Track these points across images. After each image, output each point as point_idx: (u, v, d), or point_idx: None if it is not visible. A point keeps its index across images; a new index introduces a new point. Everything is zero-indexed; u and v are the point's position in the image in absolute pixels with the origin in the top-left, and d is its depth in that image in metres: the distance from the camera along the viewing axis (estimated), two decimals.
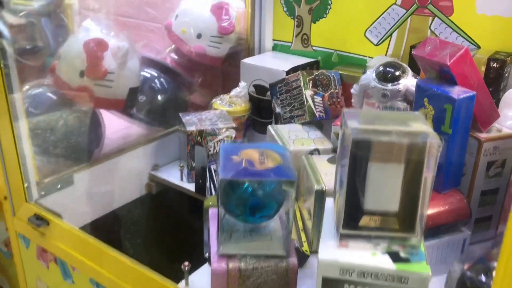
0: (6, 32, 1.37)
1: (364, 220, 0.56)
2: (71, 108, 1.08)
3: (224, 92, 1.28)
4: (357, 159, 0.53)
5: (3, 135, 0.81)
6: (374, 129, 0.53)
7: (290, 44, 1.32)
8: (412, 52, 0.86)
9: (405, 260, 0.54)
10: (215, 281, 0.64)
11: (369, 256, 0.55)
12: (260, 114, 1.26)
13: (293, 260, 0.65)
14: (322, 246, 0.56)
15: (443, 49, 0.79)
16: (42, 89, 1.09)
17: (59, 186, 0.95)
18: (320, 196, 0.83)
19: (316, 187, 0.83)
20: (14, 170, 0.83)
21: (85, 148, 1.07)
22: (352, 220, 0.56)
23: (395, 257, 0.55)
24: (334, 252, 0.55)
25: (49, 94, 1.09)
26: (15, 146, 0.81)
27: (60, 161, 1.01)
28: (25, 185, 0.84)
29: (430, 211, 0.80)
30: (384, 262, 0.54)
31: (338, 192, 0.58)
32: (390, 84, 0.94)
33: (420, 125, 0.54)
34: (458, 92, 0.75)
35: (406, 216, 0.56)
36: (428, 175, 0.54)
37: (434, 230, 0.79)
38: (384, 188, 0.55)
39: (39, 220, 0.83)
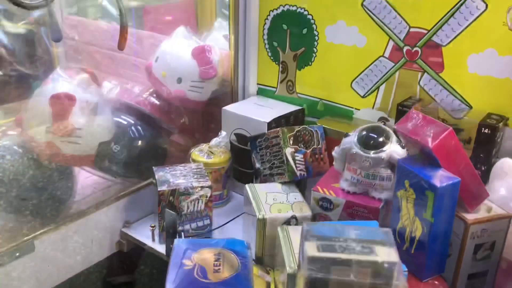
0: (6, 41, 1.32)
1: None
2: (39, 162, 1.02)
3: (206, 135, 1.22)
4: None
5: None
6: (332, 258, 0.46)
7: (275, 89, 1.26)
8: (394, 127, 0.79)
9: None
10: None
11: None
12: (242, 164, 1.19)
13: None
14: None
15: (427, 127, 0.73)
16: (7, 142, 1.03)
17: (17, 254, 0.89)
18: (293, 279, 0.76)
19: (288, 270, 0.76)
20: None
21: (52, 206, 1.01)
22: None
23: None
24: None
25: (15, 148, 1.03)
26: None
27: (20, 224, 0.95)
28: None
29: None
30: None
31: None
32: (373, 152, 0.87)
33: (386, 250, 0.48)
34: (441, 178, 0.69)
35: None
36: None
37: None
38: None
39: None
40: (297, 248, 0.81)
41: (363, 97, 1.11)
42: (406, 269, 0.60)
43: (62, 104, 0.95)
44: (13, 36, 1.71)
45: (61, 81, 1.01)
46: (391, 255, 0.47)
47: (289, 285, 0.77)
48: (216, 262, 0.57)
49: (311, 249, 0.47)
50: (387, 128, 0.90)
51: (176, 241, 0.61)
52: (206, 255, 0.58)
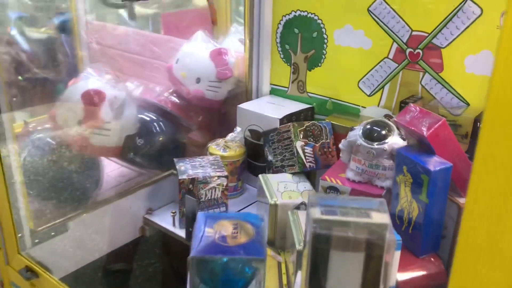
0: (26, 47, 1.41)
1: None
2: (70, 153, 1.12)
3: (223, 132, 1.31)
4: (319, 250, 0.55)
5: None
6: (334, 220, 0.54)
7: (286, 89, 1.35)
8: (393, 119, 0.88)
9: None
10: None
11: None
12: (255, 158, 1.28)
13: None
14: None
15: (423, 118, 0.81)
16: (42, 134, 1.14)
17: (53, 233, 0.99)
18: (301, 254, 0.84)
19: (297, 247, 0.85)
20: (7, 221, 0.87)
21: (83, 193, 1.11)
22: None
23: None
24: None
25: (49, 140, 1.13)
26: (7, 198, 0.85)
27: (55, 208, 1.04)
28: (19, 235, 0.88)
29: (408, 276, 0.81)
30: None
31: (302, 277, 0.60)
32: (376, 143, 0.96)
33: (380, 214, 0.56)
34: (434, 163, 0.77)
35: None
36: (389, 258, 0.55)
37: None
38: (345, 275, 0.57)
39: (29, 273, 0.86)
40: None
41: (369, 95, 1.19)
42: (400, 239, 0.68)
43: (93, 99, 1.05)
44: (35, 42, 1.83)
45: (91, 79, 1.11)
46: (384, 218, 0.55)
47: (298, 260, 0.86)
48: (234, 231, 0.66)
49: (316, 213, 0.55)
50: (390, 123, 0.98)
51: (199, 214, 0.70)
52: (226, 225, 0.67)
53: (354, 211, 0.56)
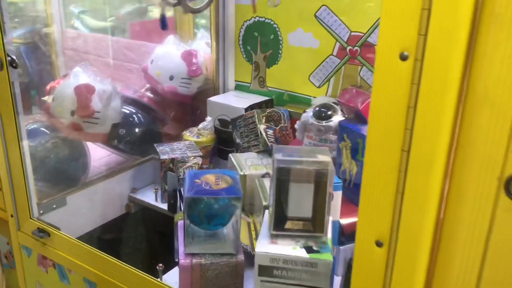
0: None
1: (288, 224, 0.79)
2: (61, 141, 1.28)
3: (193, 125, 1.50)
4: (281, 181, 0.76)
5: (12, 160, 1.01)
6: (292, 159, 0.76)
7: (249, 84, 1.56)
8: (335, 99, 1.11)
9: (316, 252, 0.77)
10: (182, 273, 0.85)
11: (291, 249, 0.78)
12: (224, 144, 1.48)
13: (241, 257, 0.87)
14: (258, 243, 0.79)
15: (358, 97, 1.05)
16: (36, 125, 1.30)
17: (54, 206, 1.15)
18: (267, 208, 1.05)
19: (264, 203, 1.05)
20: (21, 191, 1.03)
21: (74, 174, 1.27)
22: (280, 224, 0.79)
23: (309, 250, 0.78)
24: (266, 247, 0.78)
25: (43, 129, 1.30)
26: (22, 170, 1.01)
27: (54, 186, 1.20)
28: (29, 204, 1.04)
29: (349, 221, 1.03)
30: (301, 253, 0.77)
31: (270, 205, 0.81)
32: (324, 121, 1.19)
33: (324, 156, 0.78)
34: (366, 129, 1.00)
35: (318, 221, 0.79)
36: (331, 190, 0.77)
37: (352, 236, 1.02)
38: (301, 201, 0.78)
39: (41, 233, 1.02)
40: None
41: (318, 87, 1.42)
42: (340, 182, 0.90)
43: (84, 92, 1.23)
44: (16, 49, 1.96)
45: (82, 76, 1.28)
46: (327, 158, 0.77)
47: (264, 215, 1.06)
48: (216, 180, 0.86)
49: (279, 156, 0.76)
50: (334, 105, 1.21)
51: (187, 172, 0.90)
52: (209, 177, 0.87)
53: (305, 154, 0.78)
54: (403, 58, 0.51)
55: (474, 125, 0.49)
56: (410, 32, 0.50)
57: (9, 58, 0.94)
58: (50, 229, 1.02)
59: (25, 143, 1.04)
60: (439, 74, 0.49)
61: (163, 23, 1.15)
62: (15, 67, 0.96)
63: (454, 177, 0.52)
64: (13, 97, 0.97)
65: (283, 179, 0.75)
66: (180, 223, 0.94)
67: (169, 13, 2.08)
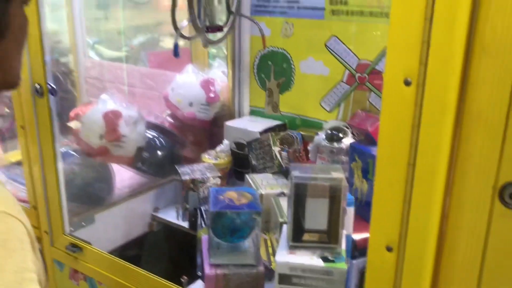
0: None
1: (306, 236, 0.86)
2: (89, 163, 1.37)
3: (211, 148, 1.59)
4: (298, 196, 0.84)
5: (48, 180, 1.09)
6: (308, 176, 0.84)
7: (263, 110, 1.65)
8: (346, 122, 1.19)
9: (331, 261, 0.84)
10: (208, 283, 0.92)
11: (308, 259, 0.84)
12: (240, 166, 1.56)
13: (261, 268, 0.93)
14: (278, 254, 0.86)
15: (367, 120, 1.13)
16: (65, 148, 1.39)
17: (83, 224, 1.22)
18: (283, 225, 1.12)
19: (280, 220, 1.12)
20: (55, 209, 1.11)
21: (101, 194, 1.35)
22: (298, 236, 0.86)
23: (325, 259, 0.84)
24: (286, 257, 0.85)
25: (72, 152, 1.39)
26: (57, 189, 1.10)
27: (82, 205, 1.29)
28: (63, 221, 1.12)
29: (361, 237, 1.10)
30: (318, 262, 0.84)
31: (288, 219, 0.89)
32: (336, 143, 1.26)
33: (337, 173, 0.85)
34: (377, 147, 1.08)
35: (333, 233, 0.86)
36: (344, 204, 0.85)
37: (364, 250, 1.08)
38: (317, 214, 0.85)
39: (74, 248, 1.10)
40: (285, 211, 1.18)
41: (329, 112, 1.51)
42: (353, 198, 0.97)
43: (112, 117, 1.32)
44: None
45: (108, 102, 1.38)
46: (340, 175, 0.85)
47: (280, 231, 1.13)
48: (238, 196, 0.94)
49: (296, 173, 0.84)
50: (345, 128, 1.29)
51: (211, 189, 0.98)
52: (231, 193, 0.95)
53: (320, 171, 0.86)
54: (407, 83, 0.59)
55: (470, 141, 0.57)
56: (412, 62, 0.58)
57: (49, 86, 1.04)
58: (82, 244, 1.10)
59: (60, 164, 1.13)
60: (438, 97, 0.57)
61: (176, 51, 1.25)
62: (54, 95, 1.05)
63: (454, 187, 0.59)
64: (51, 122, 1.06)
65: (300, 194, 0.83)
66: (204, 237, 1.01)
67: (183, 43, 2.21)
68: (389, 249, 0.65)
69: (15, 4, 0.57)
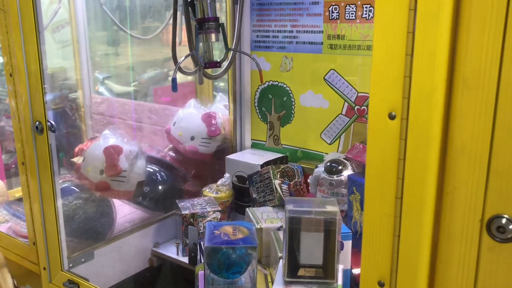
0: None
1: (301, 272, 0.85)
2: (90, 198, 1.38)
3: (212, 181, 1.59)
4: (293, 230, 0.83)
5: (47, 216, 1.10)
6: (302, 210, 0.83)
7: (264, 142, 1.66)
8: (344, 154, 1.19)
9: None
10: None
11: None
12: (241, 199, 1.56)
13: None
14: None
15: (364, 152, 1.12)
16: (67, 184, 1.40)
17: (82, 260, 1.22)
18: (281, 259, 1.11)
19: (279, 254, 1.11)
20: (54, 245, 1.11)
21: (101, 229, 1.35)
22: (293, 272, 0.85)
23: None
24: None
25: (73, 187, 1.40)
26: (56, 225, 1.10)
27: (82, 240, 1.29)
28: (61, 257, 1.12)
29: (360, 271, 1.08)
30: None
31: (284, 253, 0.88)
32: (335, 176, 1.26)
33: (332, 207, 0.85)
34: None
35: (329, 268, 0.85)
36: (340, 238, 0.84)
37: None
38: (312, 249, 0.84)
39: (72, 284, 1.09)
40: None
41: (329, 144, 1.51)
42: (350, 231, 0.96)
43: (113, 152, 1.33)
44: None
45: (110, 138, 1.39)
46: (334, 208, 0.84)
47: (280, 266, 1.12)
48: (234, 231, 0.93)
49: (290, 206, 0.84)
50: (344, 160, 1.29)
51: (207, 224, 0.97)
52: (227, 228, 0.94)
53: (315, 205, 0.85)
54: (391, 117, 0.59)
55: (456, 173, 0.57)
56: (396, 96, 0.58)
57: (49, 123, 1.06)
58: (80, 280, 1.09)
59: (60, 201, 1.13)
60: (422, 130, 0.57)
61: (174, 85, 1.27)
62: (54, 132, 1.07)
63: (443, 220, 0.59)
64: (51, 159, 1.07)
65: (294, 228, 0.82)
66: (201, 273, 1.00)
67: (190, 77, 2.25)
68: (381, 284, 0.64)
69: None
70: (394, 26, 0.57)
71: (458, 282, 0.58)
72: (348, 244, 0.97)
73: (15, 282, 0.61)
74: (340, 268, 0.86)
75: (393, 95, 0.59)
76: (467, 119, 0.55)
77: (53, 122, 1.07)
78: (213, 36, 1.31)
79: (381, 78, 0.59)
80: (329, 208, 0.84)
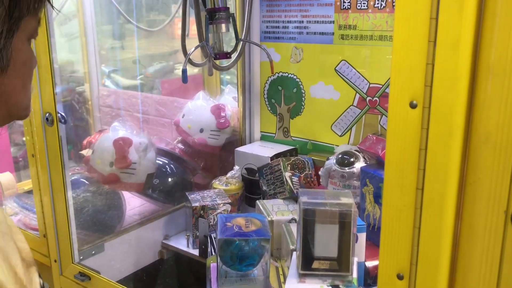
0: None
1: (315, 264, 0.84)
2: (100, 191, 1.37)
3: (222, 174, 1.58)
4: (307, 222, 0.82)
5: (58, 208, 1.09)
6: (316, 202, 0.82)
7: (274, 135, 1.64)
8: (357, 146, 1.17)
9: None
10: None
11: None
12: (251, 191, 1.55)
13: None
14: (288, 282, 0.84)
15: (378, 144, 1.11)
16: (76, 176, 1.39)
17: (93, 252, 1.22)
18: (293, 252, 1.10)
19: (291, 247, 1.10)
20: (64, 237, 1.11)
21: (111, 222, 1.35)
22: (307, 264, 0.84)
23: None
24: (295, 285, 0.82)
25: (83, 180, 1.39)
26: (67, 218, 1.10)
27: (92, 233, 1.28)
28: (72, 249, 1.11)
29: (375, 263, 1.07)
30: None
31: (298, 246, 0.86)
32: (347, 168, 1.24)
33: (347, 199, 0.84)
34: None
35: (344, 260, 0.84)
36: (355, 230, 0.82)
37: (377, 278, 1.05)
38: (327, 241, 0.83)
39: (83, 276, 1.09)
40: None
41: (340, 136, 1.49)
42: (364, 224, 0.95)
43: (122, 144, 1.32)
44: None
45: (119, 130, 1.38)
46: (349, 200, 0.83)
47: (291, 258, 1.11)
48: (246, 223, 0.92)
49: (304, 198, 0.83)
50: (356, 152, 1.28)
51: (219, 216, 0.96)
52: (240, 220, 0.93)
53: (329, 197, 0.84)
54: (413, 106, 0.58)
55: (479, 164, 0.55)
56: (418, 84, 0.57)
57: (59, 114, 1.05)
58: (91, 273, 1.09)
59: (70, 193, 1.13)
60: (445, 119, 0.55)
61: (184, 77, 1.26)
62: (64, 123, 1.06)
63: (465, 212, 0.57)
64: (61, 150, 1.07)
65: (309, 220, 0.81)
66: (213, 265, 1.00)
67: (197, 70, 2.23)
68: (400, 277, 0.63)
69: (18, 40, 0.56)
70: (416, 12, 0.55)
71: (480, 276, 0.57)
72: (362, 237, 0.96)
73: (42, 282, 0.60)
74: (355, 260, 0.84)
75: (414, 83, 0.57)
76: (492, 108, 0.53)
77: (63, 114, 1.06)
78: (223, 26, 1.29)
79: (402, 66, 0.58)
80: (344, 200, 0.83)
